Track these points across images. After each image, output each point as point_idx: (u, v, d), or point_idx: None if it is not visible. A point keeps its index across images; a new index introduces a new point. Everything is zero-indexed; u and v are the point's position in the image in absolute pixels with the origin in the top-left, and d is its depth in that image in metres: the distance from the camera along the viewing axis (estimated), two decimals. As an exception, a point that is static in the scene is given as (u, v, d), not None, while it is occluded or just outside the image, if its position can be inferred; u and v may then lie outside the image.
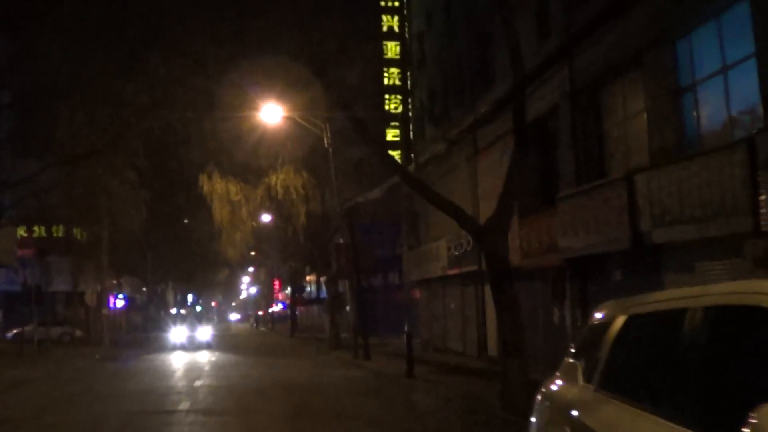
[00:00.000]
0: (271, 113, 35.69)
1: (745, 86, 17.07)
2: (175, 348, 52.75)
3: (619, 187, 20.03)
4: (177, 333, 56.59)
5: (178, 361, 40.38)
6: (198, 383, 27.58)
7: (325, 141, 37.38)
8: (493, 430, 17.53)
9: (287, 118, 36.35)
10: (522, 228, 26.89)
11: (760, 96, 16.11)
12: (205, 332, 57.29)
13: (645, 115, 20.74)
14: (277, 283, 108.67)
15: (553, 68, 23.26)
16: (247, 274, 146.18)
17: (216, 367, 36.14)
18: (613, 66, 22.01)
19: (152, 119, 39.24)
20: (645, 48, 20.15)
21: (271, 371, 32.25)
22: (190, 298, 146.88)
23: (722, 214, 16.00)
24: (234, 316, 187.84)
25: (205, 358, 42.88)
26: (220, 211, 44.38)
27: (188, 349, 51.21)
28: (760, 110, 16.26)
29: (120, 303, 79.74)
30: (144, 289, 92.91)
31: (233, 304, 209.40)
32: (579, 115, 24.34)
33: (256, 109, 35.03)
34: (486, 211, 30.98)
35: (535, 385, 7.90)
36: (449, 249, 35.62)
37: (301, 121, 36.22)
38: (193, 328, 57.10)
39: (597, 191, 21.36)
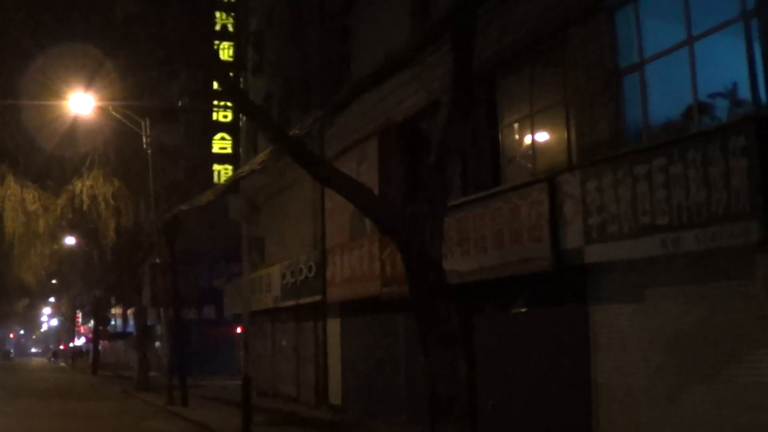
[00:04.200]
0: (81, 104, 30.15)
1: (723, 60, 12.99)
2: None
3: (538, 191, 15.42)
4: None
5: None
6: None
7: (144, 139, 32.03)
8: None
9: (99, 108, 30.86)
10: (383, 250, 22.05)
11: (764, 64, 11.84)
12: None
13: (565, 108, 16.32)
14: (79, 315, 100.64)
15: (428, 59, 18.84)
16: (48, 304, 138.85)
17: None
18: (520, 49, 17.40)
19: None
20: (570, 21, 15.68)
21: (64, 423, 25.30)
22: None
23: (711, 220, 11.48)
24: (35, 350, 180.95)
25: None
26: (12, 223, 37.81)
27: None
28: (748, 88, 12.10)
29: None
30: None
31: (33, 337, 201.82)
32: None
33: (62, 98, 29.45)
34: (334, 231, 26.26)
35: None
36: (283, 277, 30.52)
37: (116, 114, 30.96)
38: None
39: (499, 199, 16.73)
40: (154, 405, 32.20)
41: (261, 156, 21.52)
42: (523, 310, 16.93)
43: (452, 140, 12.96)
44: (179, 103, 41.30)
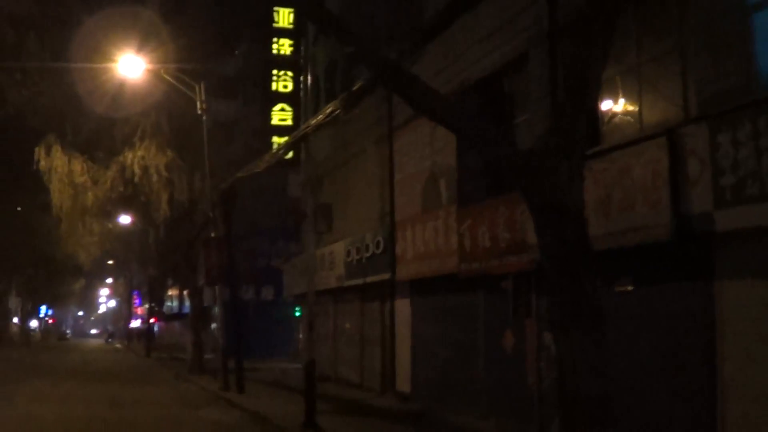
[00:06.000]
0: (131, 67, 28.34)
1: None
2: None
3: (655, 148, 13.12)
4: None
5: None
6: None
7: (198, 105, 30.24)
8: None
9: (150, 72, 29.00)
10: (462, 222, 19.86)
11: None
12: None
13: (679, 55, 13.97)
14: (137, 296, 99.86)
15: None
16: (106, 285, 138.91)
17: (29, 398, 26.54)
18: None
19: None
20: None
21: (107, 411, 23.30)
22: (43, 309, 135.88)
23: None
24: (94, 331, 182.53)
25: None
26: (59, 196, 36.17)
27: None
28: None
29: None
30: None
31: (92, 318, 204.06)
32: (561, 65, 17.16)
33: (112, 60, 27.67)
34: (404, 203, 24.12)
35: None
36: (348, 254, 28.46)
37: (168, 78, 29.11)
38: None
39: (603, 160, 14.41)
40: (208, 390, 30.31)
41: (330, 106, 19.28)
42: (630, 288, 14.61)
43: (591, 58, 10.45)
44: (235, 52, 39.62)
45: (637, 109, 15.37)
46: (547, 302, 16.80)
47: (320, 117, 19.54)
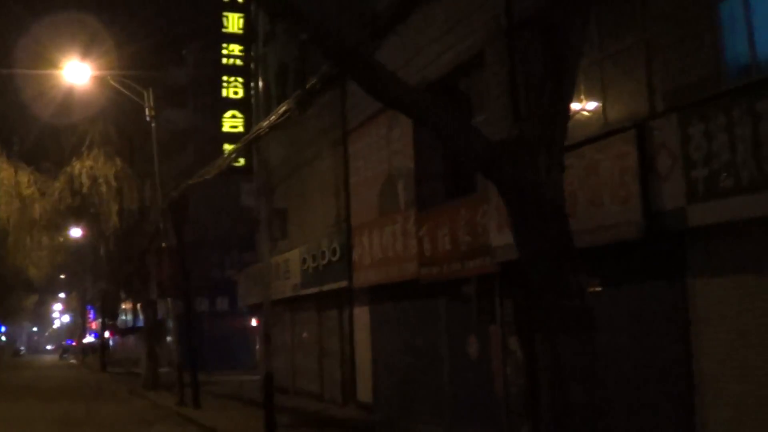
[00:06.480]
0: (77, 73, 27.63)
1: None
2: None
3: (622, 142, 12.61)
4: None
5: None
6: None
7: (147, 111, 29.43)
8: None
9: (97, 79, 28.30)
10: (421, 226, 19.30)
11: None
12: None
13: (644, 47, 13.54)
14: (90, 310, 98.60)
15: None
16: (59, 300, 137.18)
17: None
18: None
19: None
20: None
21: (53, 430, 22.81)
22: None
23: None
24: (50, 347, 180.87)
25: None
26: (6, 208, 35.30)
27: None
28: None
29: None
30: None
31: (46, 334, 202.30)
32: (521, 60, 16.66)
33: (57, 67, 26.99)
34: (361, 208, 23.55)
35: None
36: (304, 262, 27.81)
37: (115, 84, 28.41)
38: None
39: (569, 156, 13.81)
40: (163, 406, 29.56)
41: (283, 105, 18.68)
42: (598, 288, 14.07)
43: (572, 39, 9.85)
44: (183, 52, 38.96)
45: (600, 104, 14.89)
46: (512, 306, 16.35)
47: (273, 117, 18.93)
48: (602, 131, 13.72)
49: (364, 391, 23.92)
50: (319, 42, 11.09)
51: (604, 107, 14.75)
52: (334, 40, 10.67)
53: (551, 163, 9.31)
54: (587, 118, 15.23)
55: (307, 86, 17.71)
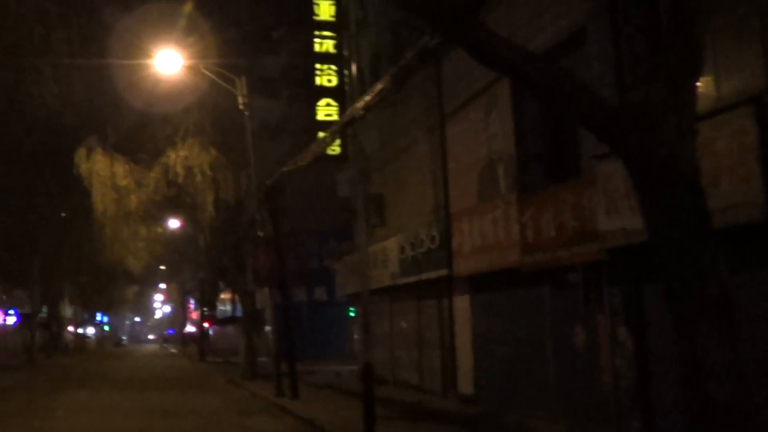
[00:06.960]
0: (169, 62, 27.60)
1: None
2: None
3: (740, 117, 11.80)
4: None
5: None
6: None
7: (240, 99, 29.33)
8: None
9: (189, 68, 28.18)
10: (523, 211, 18.59)
11: None
12: None
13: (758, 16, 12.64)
14: (191, 300, 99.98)
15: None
16: (159, 291, 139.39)
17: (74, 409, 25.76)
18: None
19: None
20: None
21: (147, 422, 22.42)
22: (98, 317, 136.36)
23: None
24: (151, 336, 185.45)
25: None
26: (102, 200, 35.41)
27: None
28: None
29: (11, 319, 72.14)
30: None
31: (149, 323, 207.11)
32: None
33: (149, 57, 26.91)
34: (459, 195, 22.90)
35: None
36: (402, 250, 27.26)
37: (207, 73, 28.22)
38: None
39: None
40: (261, 396, 29.38)
41: (379, 83, 18.16)
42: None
43: None
44: (274, 36, 38.85)
45: (712, 77, 14.01)
46: (621, 294, 15.56)
47: (368, 98, 18.40)
48: (715, 107, 12.87)
49: (465, 382, 23.31)
50: (421, 10, 10.24)
51: (716, 81, 13.89)
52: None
53: (682, 129, 8.32)
54: (698, 92, 14.39)
55: (403, 62, 17.12)
